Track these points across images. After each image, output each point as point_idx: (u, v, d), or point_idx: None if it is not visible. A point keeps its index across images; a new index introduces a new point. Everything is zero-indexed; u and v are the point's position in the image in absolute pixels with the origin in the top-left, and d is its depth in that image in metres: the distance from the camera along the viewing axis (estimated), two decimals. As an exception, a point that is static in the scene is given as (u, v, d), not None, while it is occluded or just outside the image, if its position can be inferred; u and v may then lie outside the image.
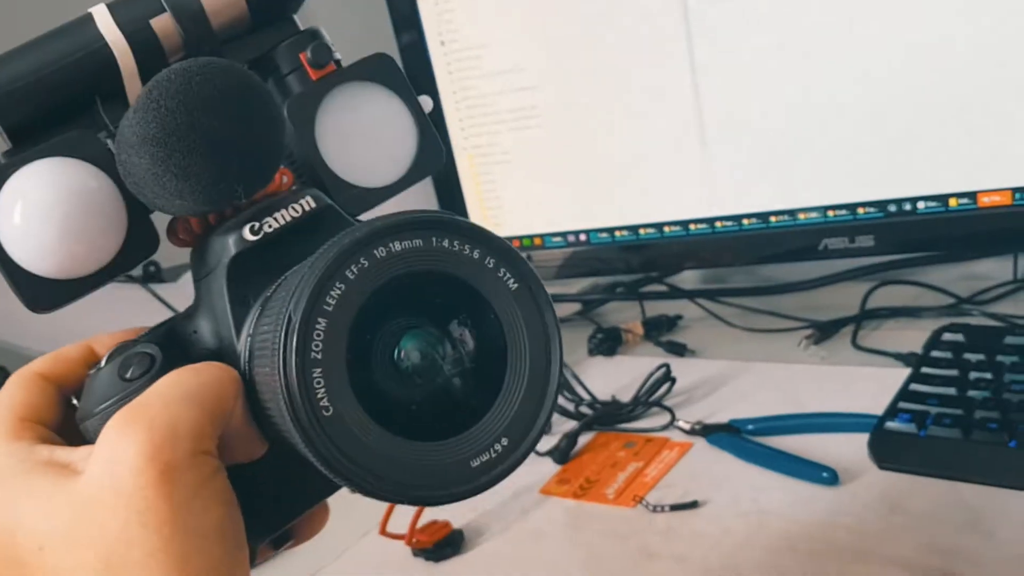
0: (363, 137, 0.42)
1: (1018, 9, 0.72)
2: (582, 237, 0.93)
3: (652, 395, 0.86)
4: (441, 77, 0.90)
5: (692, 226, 0.88)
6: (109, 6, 0.39)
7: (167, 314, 0.92)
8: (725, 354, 0.94)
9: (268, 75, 0.43)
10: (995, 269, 0.93)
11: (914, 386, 0.75)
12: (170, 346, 0.37)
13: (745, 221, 0.85)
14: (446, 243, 0.32)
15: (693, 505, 0.71)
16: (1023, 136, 0.74)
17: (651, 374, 0.86)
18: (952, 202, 0.77)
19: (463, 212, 0.94)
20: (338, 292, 0.31)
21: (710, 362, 0.93)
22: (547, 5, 0.86)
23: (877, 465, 0.70)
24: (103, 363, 0.37)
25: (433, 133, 0.43)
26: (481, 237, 0.33)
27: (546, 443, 0.81)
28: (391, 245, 0.32)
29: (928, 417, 0.71)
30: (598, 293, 1.11)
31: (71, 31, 0.39)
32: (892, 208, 0.79)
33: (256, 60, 0.43)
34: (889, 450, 0.70)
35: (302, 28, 0.43)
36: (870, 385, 0.80)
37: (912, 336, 0.85)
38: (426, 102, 0.43)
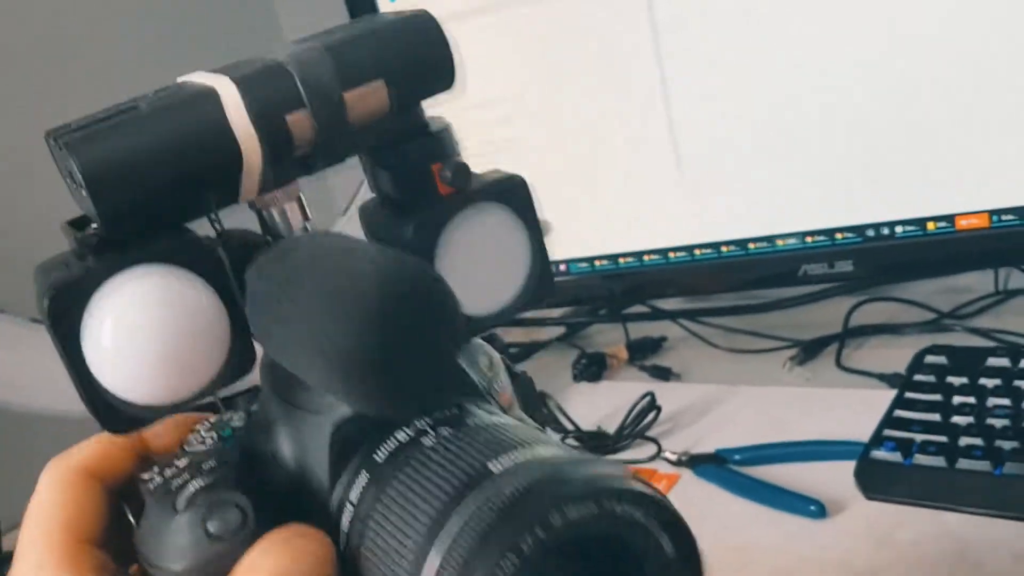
0: (480, 263, 0.38)
1: (992, 33, 0.71)
2: (562, 267, 0.92)
3: (638, 425, 0.85)
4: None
5: (671, 254, 0.87)
6: (239, 85, 0.33)
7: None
8: (710, 377, 0.94)
9: (387, 167, 0.38)
10: (977, 281, 0.93)
11: (898, 412, 0.75)
12: (249, 470, 0.33)
13: (724, 248, 0.85)
14: (618, 509, 0.28)
15: (681, 543, 0.70)
16: (999, 158, 0.74)
17: (636, 403, 0.86)
18: (930, 226, 0.77)
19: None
20: (509, 566, 0.26)
21: (695, 386, 0.92)
22: (516, 39, 0.86)
23: (864, 495, 0.70)
24: (181, 506, 0.33)
25: (548, 262, 0.39)
26: (652, 504, 0.29)
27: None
28: (566, 511, 0.27)
29: (913, 445, 0.70)
30: (581, 316, 1.11)
31: (190, 106, 0.33)
32: (870, 233, 0.79)
33: (375, 148, 0.38)
34: (875, 480, 0.70)
35: (429, 121, 0.38)
36: (855, 408, 0.80)
37: (895, 354, 0.85)
38: (547, 226, 0.40)
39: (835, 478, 0.72)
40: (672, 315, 1.03)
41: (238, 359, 0.34)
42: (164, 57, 1.15)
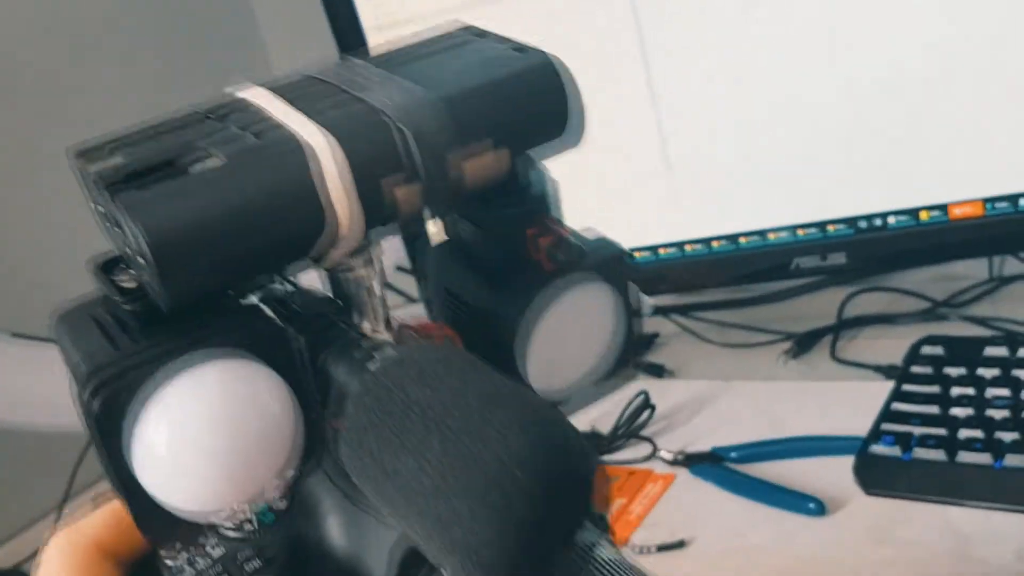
0: (565, 337, 0.34)
1: (982, 23, 0.70)
2: (551, 266, 0.91)
3: (632, 424, 0.84)
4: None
5: (662, 251, 0.86)
6: (338, 142, 0.28)
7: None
8: (704, 373, 0.92)
9: (477, 222, 0.35)
10: (971, 268, 0.92)
11: (896, 405, 0.73)
12: (296, 569, 0.30)
13: (715, 243, 0.84)
14: None
15: (680, 545, 0.69)
16: (992, 145, 0.73)
17: (630, 402, 0.85)
18: (923, 215, 0.76)
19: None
20: None
21: (689, 383, 0.91)
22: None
23: (863, 491, 0.69)
24: None
25: (633, 334, 0.36)
26: None
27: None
28: None
29: (912, 439, 0.69)
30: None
31: (278, 165, 0.27)
32: (863, 224, 0.78)
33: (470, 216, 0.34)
34: (874, 475, 0.69)
35: (531, 176, 0.34)
36: (852, 401, 0.79)
37: (891, 345, 0.84)
38: (646, 304, 0.38)
39: (834, 474, 0.71)
40: (664, 310, 1.02)
41: (302, 453, 0.30)
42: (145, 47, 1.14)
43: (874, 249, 0.78)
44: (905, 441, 0.69)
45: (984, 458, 0.66)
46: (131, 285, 0.29)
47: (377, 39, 0.86)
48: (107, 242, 0.29)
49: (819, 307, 0.95)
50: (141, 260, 0.26)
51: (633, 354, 0.36)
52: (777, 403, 0.84)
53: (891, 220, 0.77)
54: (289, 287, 0.32)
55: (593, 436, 0.85)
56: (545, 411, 0.25)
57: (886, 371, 0.81)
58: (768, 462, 0.76)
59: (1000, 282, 0.90)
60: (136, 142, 0.29)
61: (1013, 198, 0.73)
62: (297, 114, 0.29)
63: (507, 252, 0.34)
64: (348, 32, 0.88)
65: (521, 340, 0.33)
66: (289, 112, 0.29)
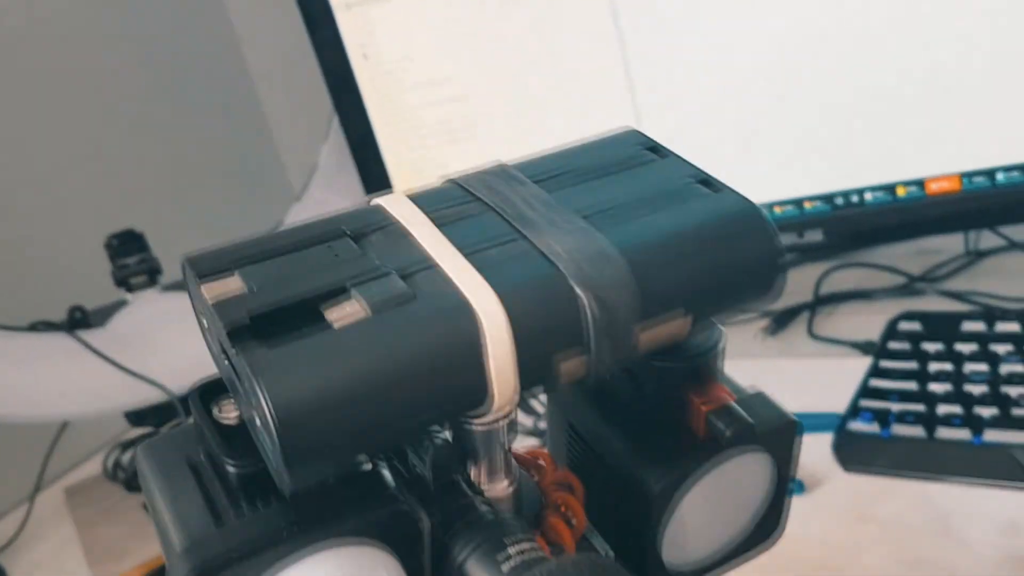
0: (715, 512, 0.30)
1: (954, -10, 0.69)
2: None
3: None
4: (368, 95, 0.86)
5: (638, 229, 0.85)
6: (510, 310, 0.23)
7: (96, 364, 0.88)
8: (682, 351, 0.92)
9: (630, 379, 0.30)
10: (946, 243, 0.92)
11: (874, 382, 0.73)
12: None
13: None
14: None
15: (659, 526, 0.69)
16: (968, 119, 0.72)
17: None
18: (900, 191, 0.75)
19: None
20: None
21: (667, 362, 0.90)
22: (463, 10, 0.83)
23: (842, 468, 0.69)
24: None
25: (783, 505, 0.33)
26: None
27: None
28: None
29: (890, 415, 0.69)
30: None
31: (440, 331, 0.22)
32: (839, 201, 0.77)
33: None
34: (854, 453, 0.69)
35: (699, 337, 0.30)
36: (829, 378, 0.78)
37: (868, 320, 0.83)
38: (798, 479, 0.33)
39: (812, 452, 0.71)
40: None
41: None
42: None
43: (851, 226, 0.78)
44: (883, 418, 0.69)
45: (963, 434, 0.66)
46: (232, 420, 0.25)
47: (345, 17, 0.85)
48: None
49: (795, 284, 0.94)
50: (261, 427, 0.22)
51: (780, 526, 0.32)
52: (754, 380, 0.83)
53: (868, 196, 0.76)
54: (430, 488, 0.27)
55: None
56: None
57: (863, 347, 0.81)
58: (747, 441, 0.75)
59: (976, 256, 0.90)
60: (261, 257, 0.24)
61: (990, 172, 0.73)
62: (465, 264, 0.24)
63: (660, 411, 0.29)
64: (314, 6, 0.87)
65: (665, 515, 0.29)
66: (456, 259, 0.24)
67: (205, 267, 0.24)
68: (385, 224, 0.25)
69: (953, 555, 0.59)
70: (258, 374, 0.21)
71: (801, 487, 0.68)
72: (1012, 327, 0.73)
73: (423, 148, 0.87)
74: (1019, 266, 0.87)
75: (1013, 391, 0.67)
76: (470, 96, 0.85)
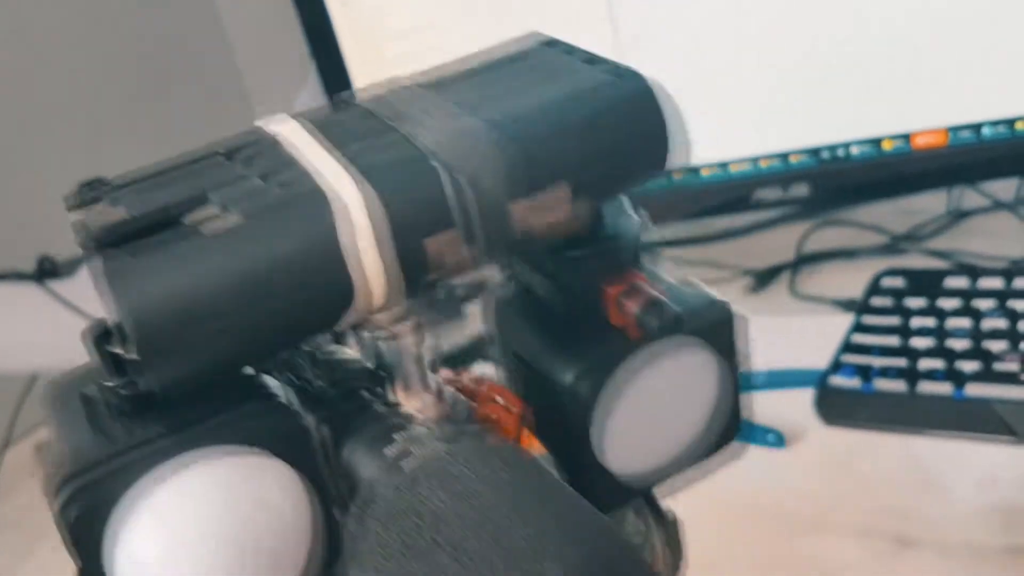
0: (656, 413, 0.29)
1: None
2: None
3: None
4: (346, 42, 0.84)
5: (620, 183, 0.84)
6: (379, 194, 0.23)
7: (66, 316, 0.86)
8: (662, 310, 0.91)
9: (546, 274, 0.29)
10: (929, 203, 0.91)
11: (856, 337, 0.73)
12: None
13: (675, 175, 0.82)
14: None
15: (638, 478, 0.68)
16: (955, 72, 0.72)
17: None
18: (886, 144, 0.74)
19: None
20: None
21: (647, 320, 0.90)
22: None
23: (824, 422, 0.68)
24: None
25: (738, 403, 0.32)
26: None
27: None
28: None
29: (872, 370, 0.69)
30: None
31: (295, 222, 0.22)
32: (825, 155, 0.76)
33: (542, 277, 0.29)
34: (835, 407, 0.68)
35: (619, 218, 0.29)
36: (812, 335, 0.78)
37: (851, 279, 0.83)
38: (746, 360, 0.32)
39: (794, 407, 0.70)
40: (622, 248, 1.00)
41: (323, 560, 0.25)
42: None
43: (837, 180, 0.77)
44: (865, 372, 0.69)
45: (945, 388, 0.65)
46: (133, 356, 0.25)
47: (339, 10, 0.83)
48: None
49: (777, 243, 0.94)
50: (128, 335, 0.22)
51: (737, 430, 0.31)
52: (736, 338, 0.83)
53: (854, 150, 0.76)
54: (319, 354, 0.27)
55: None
56: (597, 541, 0.21)
57: (845, 305, 0.81)
58: (727, 396, 0.75)
59: (959, 215, 0.89)
60: (144, 188, 0.24)
61: (976, 127, 0.72)
62: (331, 159, 0.24)
63: (582, 311, 0.28)
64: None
65: (598, 421, 0.28)
66: (323, 156, 0.24)
67: (74, 201, 0.24)
68: (258, 139, 0.25)
69: (934, 508, 0.59)
70: (114, 281, 0.22)
71: (782, 440, 0.67)
72: (995, 283, 0.72)
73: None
74: (1002, 226, 0.87)
75: (995, 346, 0.67)
76: (447, 44, 0.83)
